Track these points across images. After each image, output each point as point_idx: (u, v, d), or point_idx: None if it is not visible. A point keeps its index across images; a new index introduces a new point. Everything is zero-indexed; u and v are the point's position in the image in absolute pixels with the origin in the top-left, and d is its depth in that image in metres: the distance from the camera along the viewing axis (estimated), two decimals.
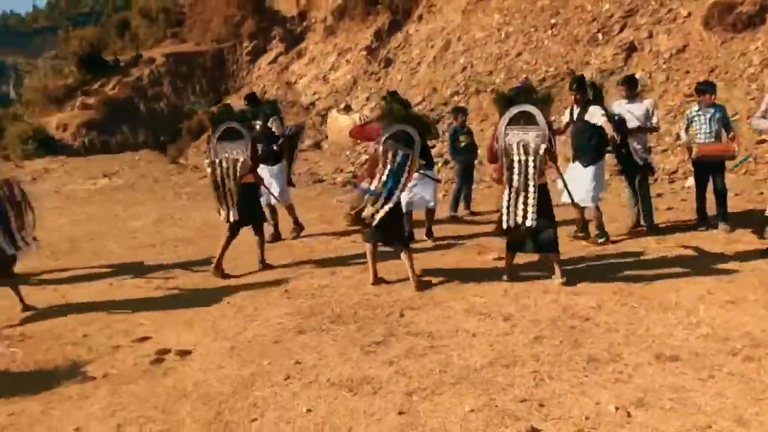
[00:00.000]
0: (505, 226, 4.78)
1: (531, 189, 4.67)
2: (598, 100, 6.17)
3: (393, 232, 5.16)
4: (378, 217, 4.83)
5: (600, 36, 11.82)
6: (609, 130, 5.92)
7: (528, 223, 4.68)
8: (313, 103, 19.08)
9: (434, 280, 5.31)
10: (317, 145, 15.97)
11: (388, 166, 4.89)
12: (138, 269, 6.35)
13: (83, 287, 5.81)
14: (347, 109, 15.52)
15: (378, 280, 5.30)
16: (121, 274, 6.21)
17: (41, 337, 4.52)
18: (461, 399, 3.24)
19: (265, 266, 6.02)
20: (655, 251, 5.85)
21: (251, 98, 7.50)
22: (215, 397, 3.42)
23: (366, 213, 4.85)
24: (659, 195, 8.01)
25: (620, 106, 6.44)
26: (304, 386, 3.50)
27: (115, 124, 22.15)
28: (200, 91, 23.74)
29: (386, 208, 4.83)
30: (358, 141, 11.18)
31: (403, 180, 4.94)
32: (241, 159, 5.64)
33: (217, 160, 5.64)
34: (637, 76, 8.11)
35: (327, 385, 3.50)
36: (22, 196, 5.08)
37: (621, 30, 11.66)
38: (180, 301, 5.18)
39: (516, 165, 4.70)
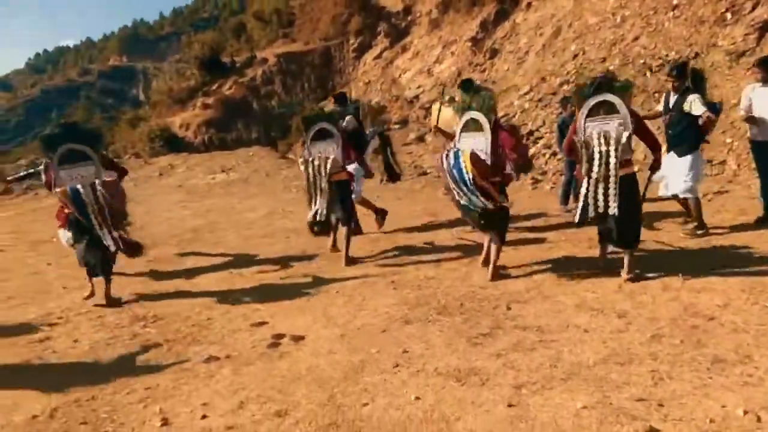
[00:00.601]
0: (581, 217, 4.73)
1: (612, 179, 4.55)
2: (699, 88, 5.85)
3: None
4: None
5: (729, 15, 10.89)
6: (702, 119, 5.60)
7: (610, 211, 4.56)
8: (417, 97, 19.14)
9: (542, 273, 5.19)
10: (421, 139, 16.04)
11: None
12: (254, 258, 6.73)
13: (206, 274, 6.24)
14: (452, 101, 15.41)
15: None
16: (239, 262, 6.61)
17: (171, 318, 4.92)
18: (573, 395, 3.16)
19: (349, 261, 6.10)
20: None
21: (340, 98, 7.64)
22: (328, 381, 3.56)
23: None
24: None
25: (755, 90, 5.94)
26: (412, 375, 3.56)
27: (231, 122, 23.52)
28: (309, 88, 24.60)
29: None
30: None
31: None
32: (332, 157, 5.88)
33: (311, 159, 5.93)
34: None
35: (434, 374, 3.54)
36: (103, 199, 5.15)
37: (753, 8, 10.68)
38: (292, 290, 5.42)
39: (596, 156, 4.59)
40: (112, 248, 5.27)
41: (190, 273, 6.33)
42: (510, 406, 3.10)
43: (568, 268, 5.24)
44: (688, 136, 5.85)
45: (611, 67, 11.40)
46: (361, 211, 7.32)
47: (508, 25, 18.31)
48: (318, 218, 6.04)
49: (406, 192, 9.97)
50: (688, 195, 5.98)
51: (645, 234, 5.41)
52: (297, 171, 14.35)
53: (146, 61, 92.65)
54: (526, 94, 13.46)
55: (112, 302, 5.35)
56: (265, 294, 5.37)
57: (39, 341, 4.59)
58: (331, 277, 5.70)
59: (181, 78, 29.22)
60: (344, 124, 6.81)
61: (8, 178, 15.90)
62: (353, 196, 6.67)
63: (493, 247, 5.25)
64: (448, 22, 20.96)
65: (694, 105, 5.69)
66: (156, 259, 6.97)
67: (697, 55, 10.69)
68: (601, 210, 4.60)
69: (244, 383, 3.64)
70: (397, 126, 17.95)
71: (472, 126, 5.17)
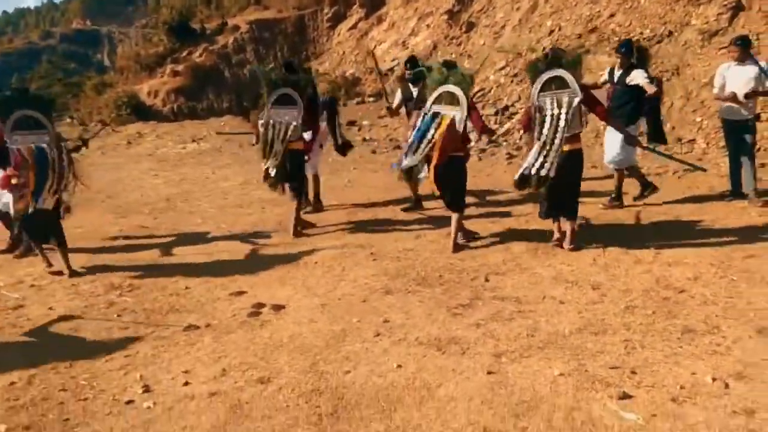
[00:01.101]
0: (521, 181, 4.89)
1: (557, 141, 4.75)
2: (643, 63, 6.19)
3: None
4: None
5: None
6: (650, 89, 5.90)
7: (543, 172, 4.74)
8: (392, 69, 19.00)
9: (519, 246, 5.28)
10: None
11: None
12: (230, 229, 6.67)
13: (182, 246, 6.16)
14: (428, 70, 15.33)
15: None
16: (214, 232, 6.55)
17: (148, 287, 4.87)
18: (550, 363, 3.26)
19: (297, 233, 6.09)
20: (758, 221, 5.54)
21: (289, 65, 6.86)
22: (310, 349, 3.59)
23: None
24: (762, 165, 7.52)
25: (729, 69, 6.07)
26: (394, 343, 3.61)
27: (202, 91, 23.03)
28: (281, 57, 24.18)
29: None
30: None
31: None
32: (294, 124, 5.88)
33: (271, 122, 5.89)
34: None
35: (416, 343, 3.60)
36: (68, 162, 5.16)
37: None
38: (271, 260, 5.41)
39: (548, 119, 4.81)
40: (46, 206, 5.06)
41: (166, 243, 6.25)
42: (489, 373, 3.19)
43: (544, 241, 5.33)
44: (628, 110, 6.07)
45: (587, 44, 11.49)
46: (326, 185, 7.41)
47: None
48: (270, 174, 6.04)
49: (381, 164, 9.95)
50: (617, 166, 6.34)
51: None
52: None
53: (111, 25, 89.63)
54: (502, 68, 13.48)
55: (74, 273, 5.23)
56: (244, 264, 5.35)
57: (12, 309, 4.50)
58: (310, 248, 5.70)
59: (148, 44, 28.42)
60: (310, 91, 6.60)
61: None
62: (310, 169, 6.81)
63: (453, 218, 5.37)
64: None
65: (639, 79, 5.95)
66: (128, 228, 6.86)
67: (670, 33, 10.84)
68: (543, 172, 4.74)
69: (225, 351, 3.64)
70: (371, 99, 17.83)
71: (447, 99, 5.26)
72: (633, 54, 6.10)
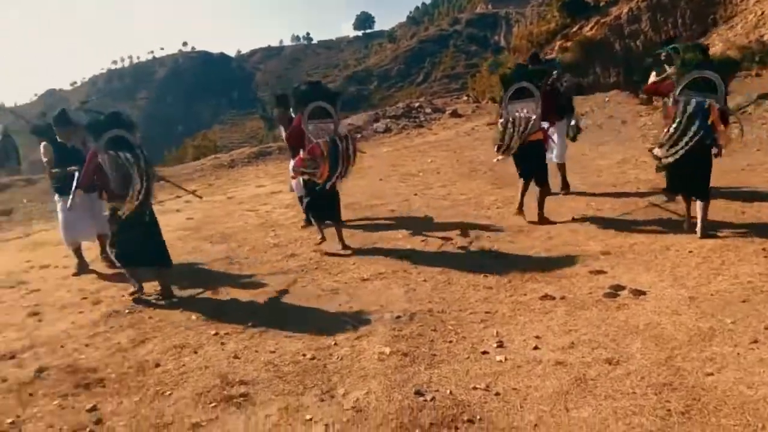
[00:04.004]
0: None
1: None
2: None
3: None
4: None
5: None
6: None
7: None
8: None
9: None
10: None
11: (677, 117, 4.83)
12: (598, 206, 6.55)
13: (552, 214, 6.33)
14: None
15: None
16: (584, 211, 6.52)
17: (514, 254, 5.22)
18: None
19: (543, 220, 6.13)
20: None
21: (533, 58, 7.57)
22: (668, 342, 3.35)
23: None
24: None
25: None
26: None
27: (588, 65, 22.61)
28: (682, 24, 21.89)
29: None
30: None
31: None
32: (533, 118, 5.82)
33: (510, 119, 5.87)
34: None
35: None
36: (353, 151, 5.62)
37: None
38: (639, 243, 5.14)
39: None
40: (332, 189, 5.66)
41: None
42: None
43: None
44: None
45: None
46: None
47: None
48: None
49: None
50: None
51: None
52: (657, 118, 13.21)
53: (509, 7, 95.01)
54: None
55: (346, 247, 5.80)
56: (609, 244, 5.23)
57: (405, 257, 5.42)
58: (684, 235, 5.20)
59: (542, 22, 29.15)
60: (566, 83, 7.16)
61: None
62: (554, 158, 7.13)
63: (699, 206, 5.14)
64: None
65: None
66: (501, 199, 7.38)
67: None
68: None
69: (576, 325, 3.69)
70: None
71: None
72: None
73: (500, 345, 3.52)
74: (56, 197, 5.82)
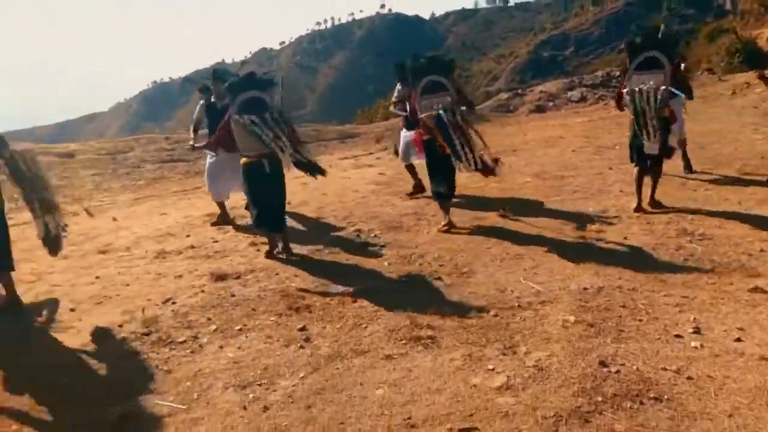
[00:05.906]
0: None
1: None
2: None
3: None
4: None
5: None
6: None
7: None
8: None
9: None
10: None
11: None
12: None
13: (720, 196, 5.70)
14: None
15: None
16: None
17: (720, 240, 4.81)
18: None
19: (656, 204, 5.85)
20: None
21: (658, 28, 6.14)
22: None
23: None
24: None
25: None
26: None
27: None
28: None
29: None
30: None
31: None
32: (662, 89, 5.20)
33: (636, 89, 5.29)
34: None
35: None
36: (462, 123, 5.29)
37: None
38: None
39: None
40: (473, 168, 5.34)
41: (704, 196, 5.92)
42: None
43: None
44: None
45: None
46: None
47: None
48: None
49: None
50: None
51: None
52: None
53: None
54: None
55: (451, 225, 5.64)
56: None
57: (595, 231, 5.29)
58: None
59: None
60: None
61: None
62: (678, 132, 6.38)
63: None
64: None
65: None
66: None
67: None
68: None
69: None
70: None
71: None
72: None
73: (696, 331, 3.35)
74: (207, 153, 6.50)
